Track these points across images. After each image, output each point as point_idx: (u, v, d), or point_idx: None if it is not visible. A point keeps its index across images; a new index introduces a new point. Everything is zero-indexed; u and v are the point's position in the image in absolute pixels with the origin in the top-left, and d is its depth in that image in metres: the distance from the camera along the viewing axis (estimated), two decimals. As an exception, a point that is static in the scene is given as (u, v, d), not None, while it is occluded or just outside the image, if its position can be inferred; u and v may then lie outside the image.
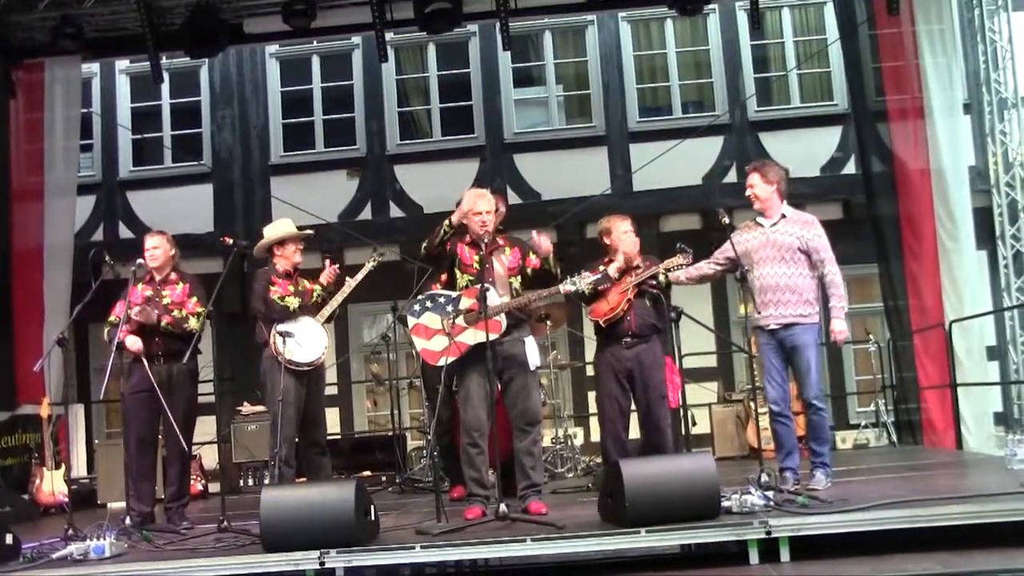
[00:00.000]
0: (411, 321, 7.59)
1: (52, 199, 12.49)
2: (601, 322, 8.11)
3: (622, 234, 8.28)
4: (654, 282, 8.09)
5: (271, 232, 8.53)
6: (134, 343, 7.90)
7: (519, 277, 7.52)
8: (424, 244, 7.55)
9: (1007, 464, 8.09)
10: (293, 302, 8.18)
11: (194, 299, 8.21)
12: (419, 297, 7.72)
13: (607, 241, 8.36)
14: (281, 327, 8.02)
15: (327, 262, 8.59)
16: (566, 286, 7.31)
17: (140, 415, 8.03)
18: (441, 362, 7.43)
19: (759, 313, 7.77)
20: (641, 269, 8.16)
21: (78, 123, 12.81)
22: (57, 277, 12.23)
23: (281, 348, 7.92)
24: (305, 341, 8.16)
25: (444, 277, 8.04)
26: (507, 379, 7.40)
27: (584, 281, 7.36)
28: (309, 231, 8.80)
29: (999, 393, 13.18)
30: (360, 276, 8.64)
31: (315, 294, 8.41)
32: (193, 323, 8.15)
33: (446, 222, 7.45)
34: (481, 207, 7.44)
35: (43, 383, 11.47)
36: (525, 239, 7.63)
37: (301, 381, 8.17)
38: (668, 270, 8.03)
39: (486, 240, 7.39)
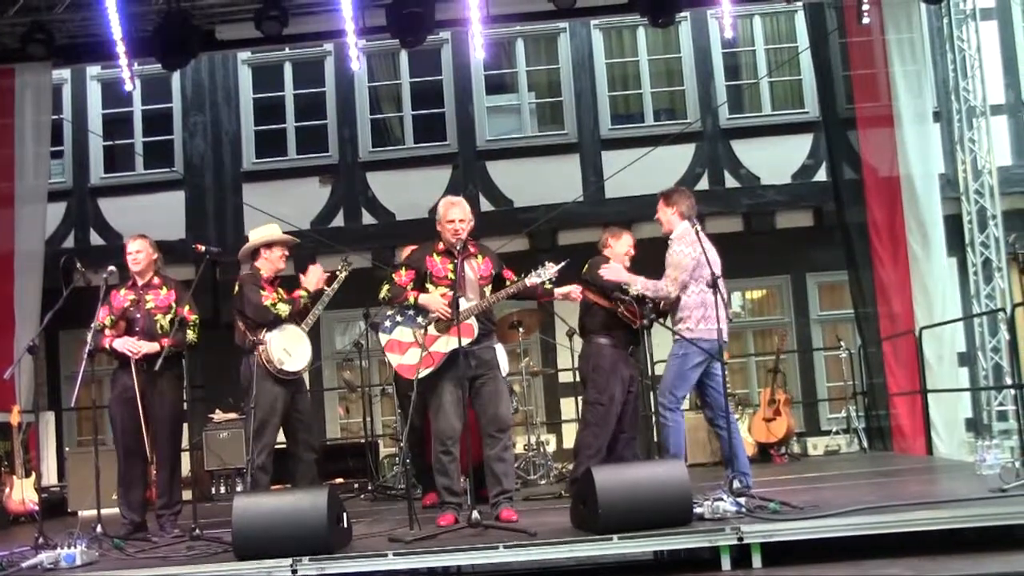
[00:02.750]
0: (384, 338, 7.56)
1: (22, 206, 12.38)
2: (635, 325, 8.22)
3: (630, 247, 8.54)
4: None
5: (259, 235, 8.49)
6: (123, 343, 7.88)
7: (491, 286, 7.54)
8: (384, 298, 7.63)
9: (977, 470, 8.16)
10: (284, 309, 8.14)
11: (186, 307, 8.15)
12: (388, 312, 7.66)
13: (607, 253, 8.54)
14: (276, 335, 8.06)
15: (316, 266, 8.54)
16: (531, 279, 7.31)
17: (126, 423, 7.97)
18: (420, 375, 7.38)
19: None
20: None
21: (48, 129, 12.71)
22: (28, 284, 12.14)
23: (274, 356, 7.93)
24: (293, 349, 8.15)
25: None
26: (479, 385, 7.40)
27: (548, 272, 7.36)
28: (297, 239, 8.78)
29: (969, 399, 13.29)
30: (335, 285, 8.63)
31: (302, 301, 8.36)
32: (192, 336, 8.16)
33: (385, 289, 7.56)
34: (454, 215, 7.47)
35: (13, 391, 11.38)
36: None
37: (288, 388, 8.14)
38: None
39: (459, 247, 7.41)
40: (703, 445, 12.33)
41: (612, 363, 8.31)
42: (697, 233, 7.67)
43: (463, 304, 7.23)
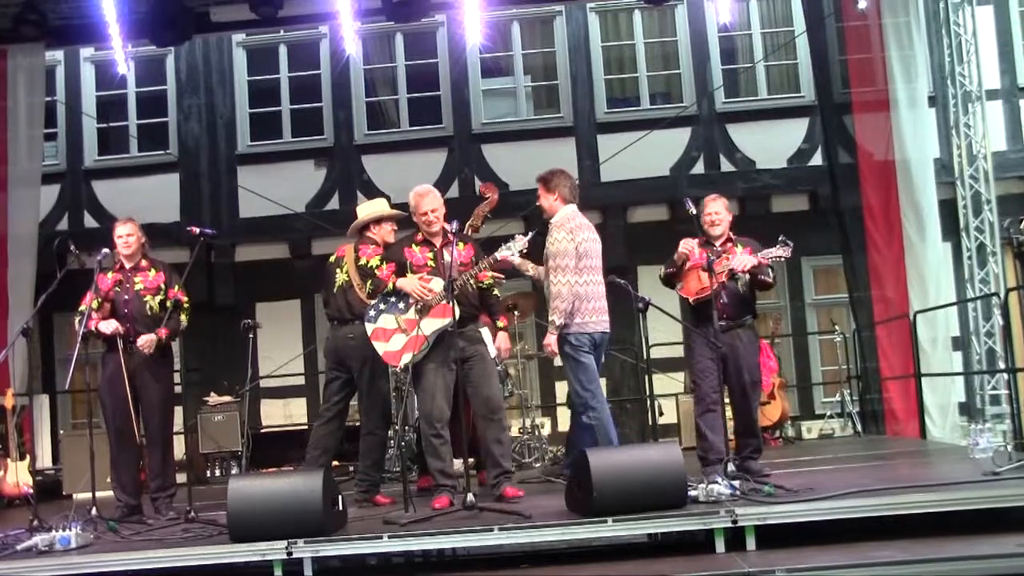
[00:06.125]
0: (369, 328, 7.62)
1: (15, 189, 12.36)
2: (691, 300, 7.84)
3: (704, 215, 7.95)
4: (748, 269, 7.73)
5: (369, 210, 8.45)
6: (108, 325, 7.86)
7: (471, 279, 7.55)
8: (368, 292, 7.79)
9: (970, 453, 8.19)
10: None
11: (177, 288, 8.13)
12: (371, 302, 7.69)
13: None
14: None
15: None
16: (502, 252, 7.33)
17: (117, 406, 7.95)
18: (404, 360, 7.44)
19: None
20: (728, 253, 7.82)
21: (42, 111, 12.69)
22: (21, 267, 12.13)
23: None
24: None
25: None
26: (467, 368, 7.45)
27: (518, 244, 7.37)
28: (405, 212, 8.74)
29: (962, 383, 13.32)
30: None
31: None
32: (184, 320, 8.14)
33: (368, 284, 7.74)
34: (426, 207, 7.54)
35: (7, 374, 11.41)
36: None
37: None
38: (771, 265, 7.82)
39: (435, 230, 7.48)
40: (695, 428, 12.34)
41: (696, 340, 7.91)
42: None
43: (439, 284, 7.33)
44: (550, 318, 7.82)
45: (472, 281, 7.48)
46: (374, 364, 8.10)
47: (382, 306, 7.58)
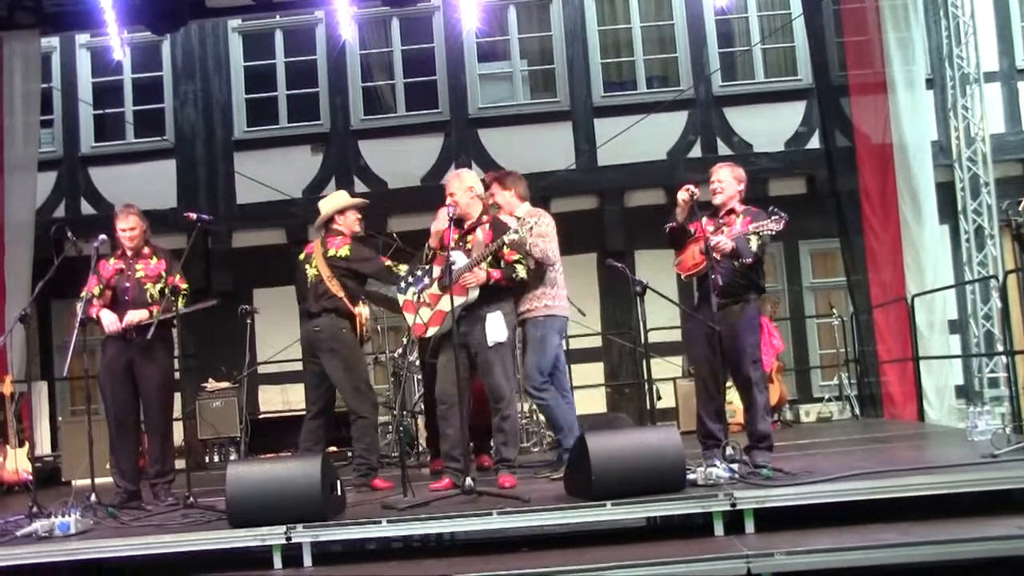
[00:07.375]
0: (401, 299, 7.79)
1: (12, 175, 12.36)
2: (683, 276, 7.60)
3: (709, 183, 7.74)
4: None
5: (331, 203, 8.43)
6: (111, 323, 7.85)
7: (489, 258, 7.50)
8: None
9: (968, 436, 8.20)
10: (403, 269, 8.23)
11: (177, 276, 8.10)
12: (402, 273, 7.89)
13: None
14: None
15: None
16: (509, 236, 7.33)
17: (116, 392, 7.96)
18: (429, 333, 7.63)
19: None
20: (727, 224, 7.55)
21: (38, 98, 12.67)
22: (18, 254, 12.13)
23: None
24: None
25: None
26: (473, 354, 7.50)
27: (525, 227, 7.46)
28: (367, 200, 8.74)
29: (960, 366, 13.33)
30: None
31: None
32: (180, 303, 8.08)
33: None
34: (448, 189, 7.67)
35: (5, 361, 11.41)
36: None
37: None
38: (758, 234, 7.48)
39: (480, 214, 7.62)
40: (696, 412, 12.34)
41: (690, 322, 7.75)
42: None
43: (462, 259, 7.40)
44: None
45: (483, 265, 7.45)
46: (343, 352, 8.15)
47: (411, 279, 7.76)
